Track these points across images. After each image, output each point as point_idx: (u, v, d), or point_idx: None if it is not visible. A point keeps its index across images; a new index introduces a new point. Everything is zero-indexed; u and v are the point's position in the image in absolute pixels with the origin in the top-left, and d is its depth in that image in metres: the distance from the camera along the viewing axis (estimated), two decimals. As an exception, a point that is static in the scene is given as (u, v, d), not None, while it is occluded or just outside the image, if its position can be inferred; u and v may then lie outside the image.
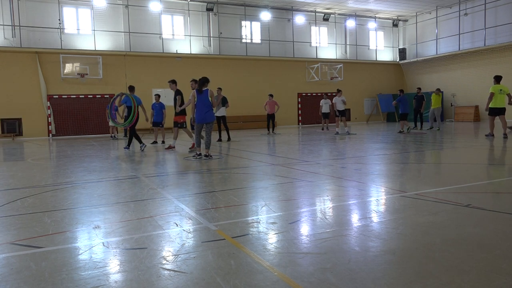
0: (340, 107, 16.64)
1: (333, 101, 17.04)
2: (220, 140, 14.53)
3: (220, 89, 14.43)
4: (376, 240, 3.35)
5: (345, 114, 16.79)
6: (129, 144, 11.87)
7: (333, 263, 2.87)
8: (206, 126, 9.26)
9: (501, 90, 12.42)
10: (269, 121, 18.09)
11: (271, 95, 18.28)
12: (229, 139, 14.58)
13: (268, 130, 18.27)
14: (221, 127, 14.63)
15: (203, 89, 9.14)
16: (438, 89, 18.29)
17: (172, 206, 4.76)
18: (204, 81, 9.17)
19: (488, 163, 8.15)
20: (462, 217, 4.00)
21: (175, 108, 11.55)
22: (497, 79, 12.66)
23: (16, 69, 19.68)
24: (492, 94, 12.34)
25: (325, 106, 19.46)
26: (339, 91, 16.82)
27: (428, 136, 14.23)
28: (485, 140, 12.07)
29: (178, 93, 11.54)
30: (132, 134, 11.63)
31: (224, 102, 14.33)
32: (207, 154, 9.34)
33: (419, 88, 19.15)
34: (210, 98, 9.13)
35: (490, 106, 12.47)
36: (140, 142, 11.65)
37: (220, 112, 14.22)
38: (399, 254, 3.04)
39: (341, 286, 2.50)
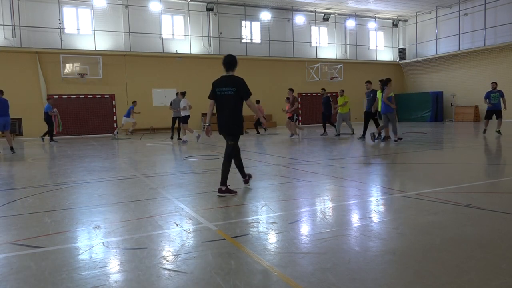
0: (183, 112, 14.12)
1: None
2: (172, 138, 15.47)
3: (178, 92, 14.86)
4: (376, 240, 3.34)
5: (184, 121, 14.13)
6: None
7: (333, 263, 2.87)
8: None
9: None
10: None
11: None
12: (178, 138, 15.22)
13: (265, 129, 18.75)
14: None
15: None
16: (342, 90, 16.21)
17: (172, 206, 4.75)
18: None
19: (487, 163, 8.14)
20: (462, 217, 3.99)
21: None
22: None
23: (16, 69, 19.67)
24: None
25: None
26: (181, 93, 14.50)
27: (426, 137, 14.24)
28: (483, 140, 12.06)
29: None
30: None
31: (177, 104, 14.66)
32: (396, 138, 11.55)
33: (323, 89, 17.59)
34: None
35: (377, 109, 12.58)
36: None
37: (178, 113, 14.60)
38: (399, 254, 3.04)
39: (341, 286, 2.50)
